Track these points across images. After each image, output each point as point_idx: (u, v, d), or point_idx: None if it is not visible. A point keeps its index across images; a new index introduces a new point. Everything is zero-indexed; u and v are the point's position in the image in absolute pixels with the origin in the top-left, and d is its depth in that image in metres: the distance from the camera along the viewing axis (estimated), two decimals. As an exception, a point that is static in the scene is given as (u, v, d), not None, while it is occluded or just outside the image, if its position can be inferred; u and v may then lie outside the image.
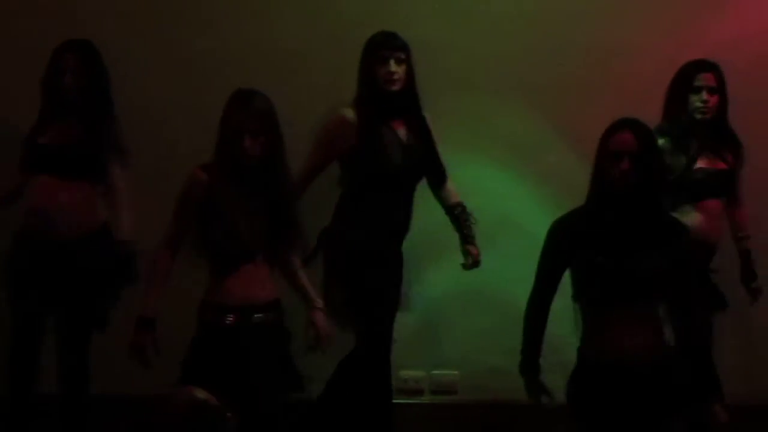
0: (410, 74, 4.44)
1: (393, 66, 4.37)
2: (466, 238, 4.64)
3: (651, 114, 4.26)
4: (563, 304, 3.60)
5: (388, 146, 4.40)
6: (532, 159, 5.09)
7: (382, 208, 4.43)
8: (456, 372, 5.19)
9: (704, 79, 4.40)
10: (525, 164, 5.10)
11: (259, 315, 3.67)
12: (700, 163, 4.43)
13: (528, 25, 5.07)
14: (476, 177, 5.06)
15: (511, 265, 5.05)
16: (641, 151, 3.37)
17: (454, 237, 4.97)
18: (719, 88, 4.42)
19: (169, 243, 3.70)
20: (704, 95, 4.37)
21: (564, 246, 3.52)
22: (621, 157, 3.36)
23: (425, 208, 4.68)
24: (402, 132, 4.46)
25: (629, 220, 3.42)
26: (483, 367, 5.10)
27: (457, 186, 4.77)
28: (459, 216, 4.65)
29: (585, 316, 3.54)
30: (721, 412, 3.80)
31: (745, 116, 4.56)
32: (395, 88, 4.39)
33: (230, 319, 3.63)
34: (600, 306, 3.48)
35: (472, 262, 4.65)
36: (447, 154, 4.75)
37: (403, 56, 4.40)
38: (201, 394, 3.53)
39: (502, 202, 5.10)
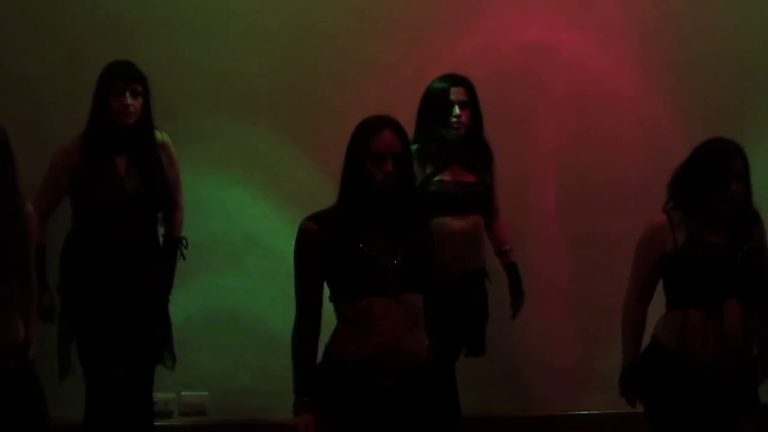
0: (146, 107, 4.35)
1: (129, 99, 4.27)
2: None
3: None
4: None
5: (105, 178, 4.28)
6: (276, 178, 5.11)
7: (102, 244, 4.31)
8: (206, 393, 5.14)
9: (456, 93, 4.38)
10: (270, 183, 5.12)
11: None
12: (445, 176, 4.39)
13: (270, 43, 5.08)
14: (221, 197, 5.06)
15: (259, 286, 5.08)
16: (403, 152, 3.37)
17: (201, 257, 4.93)
18: (470, 103, 4.42)
19: None
20: (457, 110, 4.35)
21: (322, 247, 3.35)
22: (384, 159, 3.33)
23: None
24: (123, 164, 4.32)
25: (391, 218, 3.38)
26: (233, 388, 5.09)
27: (201, 207, 4.74)
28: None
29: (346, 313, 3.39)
30: None
31: (486, 129, 4.60)
32: (129, 121, 4.29)
33: None
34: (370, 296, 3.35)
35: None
36: (191, 174, 4.72)
37: (140, 89, 4.31)
38: None
39: (247, 222, 5.10)
